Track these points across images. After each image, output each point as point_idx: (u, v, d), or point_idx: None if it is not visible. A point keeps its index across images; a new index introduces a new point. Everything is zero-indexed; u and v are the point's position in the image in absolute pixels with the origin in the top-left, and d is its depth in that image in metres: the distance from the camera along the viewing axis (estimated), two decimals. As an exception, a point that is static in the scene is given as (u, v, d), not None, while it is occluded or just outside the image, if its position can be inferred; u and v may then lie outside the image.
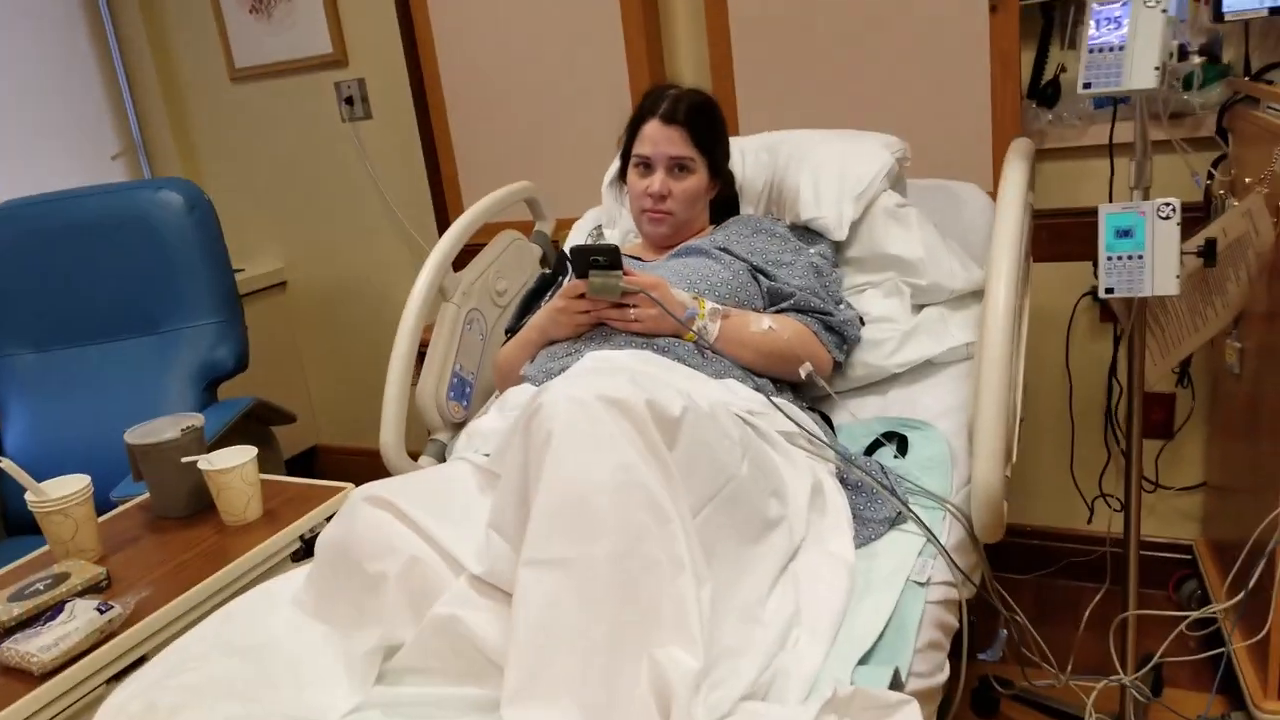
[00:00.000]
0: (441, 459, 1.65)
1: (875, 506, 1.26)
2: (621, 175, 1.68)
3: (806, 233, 1.62)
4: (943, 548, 1.20)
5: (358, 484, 1.40)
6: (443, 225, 2.65)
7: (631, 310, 1.38)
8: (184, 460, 1.47)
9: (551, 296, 1.58)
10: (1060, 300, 2.11)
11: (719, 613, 0.97)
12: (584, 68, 2.34)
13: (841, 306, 1.49)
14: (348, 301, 3.01)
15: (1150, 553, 2.09)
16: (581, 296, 1.40)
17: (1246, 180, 1.58)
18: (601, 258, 1.35)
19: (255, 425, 2.27)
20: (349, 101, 2.70)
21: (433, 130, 2.56)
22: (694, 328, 1.39)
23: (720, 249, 1.52)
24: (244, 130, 2.94)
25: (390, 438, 1.56)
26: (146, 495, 1.57)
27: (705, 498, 1.04)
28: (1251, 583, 1.43)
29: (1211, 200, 1.84)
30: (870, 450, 1.40)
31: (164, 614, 1.25)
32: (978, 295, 1.56)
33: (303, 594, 1.13)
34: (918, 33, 2.02)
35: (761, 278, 1.51)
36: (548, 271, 1.69)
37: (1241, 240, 1.49)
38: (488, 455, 1.25)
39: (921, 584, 1.16)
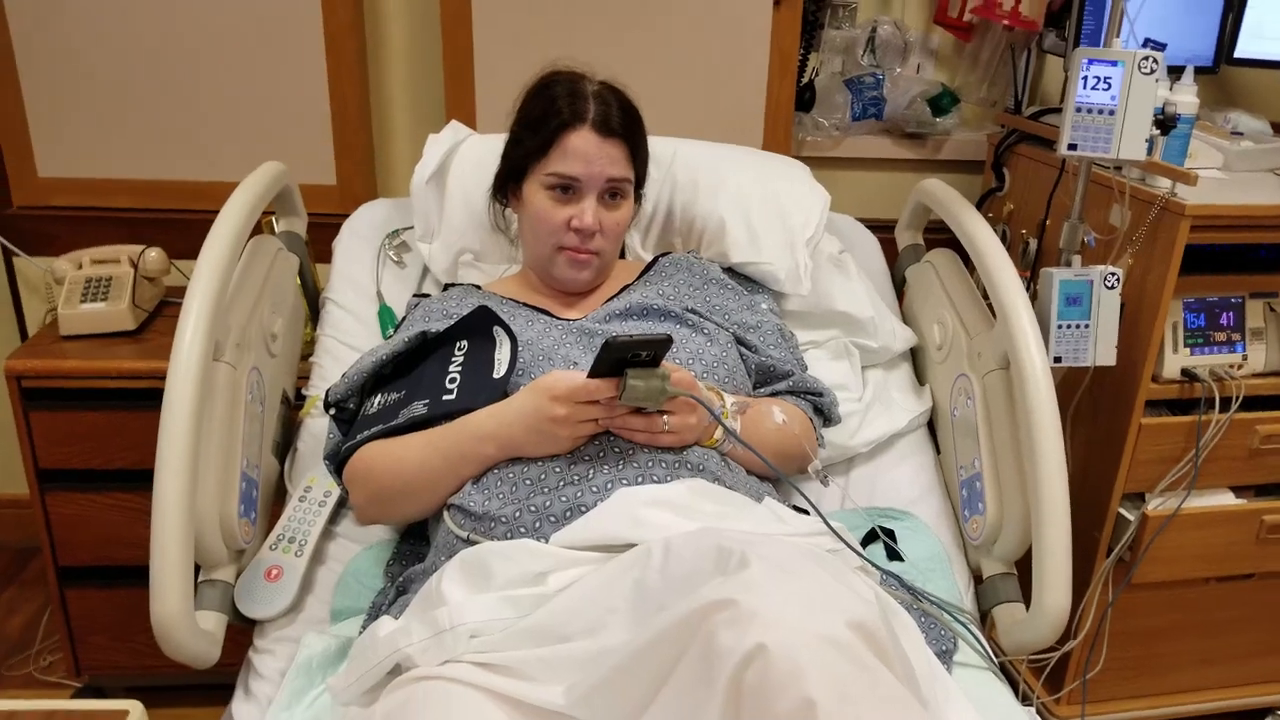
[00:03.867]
0: (232, 613, 1.04)
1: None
2: (499, 190, 1.19)
3: (740, 279, 1.29)
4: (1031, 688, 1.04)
5: None
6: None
7: (665, 418, 0.95)
8: None
9: (462, 368, 1.04)
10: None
11: None
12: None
13: (809, 377, 1.21)
14: None
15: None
16: (595, 402, 0.93)
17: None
18: (645, 352, 0.90)
19: None
20: None
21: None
22: (719, 431, 1.01)
23: (690, 311, 1.13)
24: None
25: (174, 606, 0.91)
26: None
27: None
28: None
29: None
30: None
31: None
32: (904, 355, 1.40)
33: None
34: (694, 20, 1.76)
35: (744, 350, 1.16)
36: (432, 332, 1.08)
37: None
38: (483, 663, 0.80)
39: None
